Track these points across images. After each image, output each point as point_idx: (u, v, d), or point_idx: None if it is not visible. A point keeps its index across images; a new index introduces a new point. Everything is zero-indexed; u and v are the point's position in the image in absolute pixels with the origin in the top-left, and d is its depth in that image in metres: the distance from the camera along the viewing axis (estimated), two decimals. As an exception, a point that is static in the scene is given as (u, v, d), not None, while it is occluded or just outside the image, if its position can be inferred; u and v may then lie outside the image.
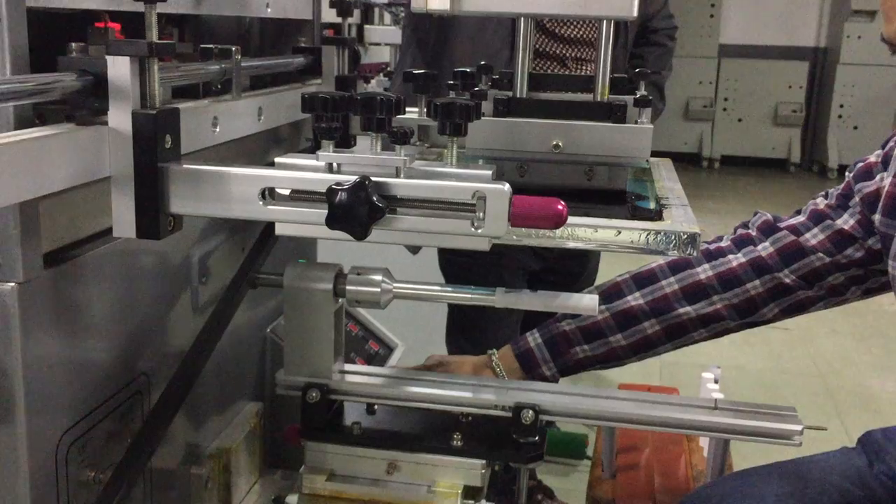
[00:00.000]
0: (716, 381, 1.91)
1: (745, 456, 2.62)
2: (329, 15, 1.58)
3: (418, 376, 1.21)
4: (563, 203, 0.75)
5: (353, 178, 0.77)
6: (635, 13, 1.00)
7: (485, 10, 1.02)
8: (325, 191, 0.77)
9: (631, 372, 3.68)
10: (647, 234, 0.87)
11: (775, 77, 8.29)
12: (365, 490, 1.12)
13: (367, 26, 3.39)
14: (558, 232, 0.84)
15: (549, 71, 2.19)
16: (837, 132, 8.06)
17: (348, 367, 1.21)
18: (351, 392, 1.17)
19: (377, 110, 0.80)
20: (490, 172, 0.81)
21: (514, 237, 0.86)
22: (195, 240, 1.18)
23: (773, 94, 8.29)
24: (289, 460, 1.44)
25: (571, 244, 0.87)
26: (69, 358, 0.91)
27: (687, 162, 8.52)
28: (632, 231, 0.88)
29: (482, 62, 1.22)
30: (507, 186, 0.77)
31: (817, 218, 1.41)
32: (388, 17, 3.49)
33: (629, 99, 1.09)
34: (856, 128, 8.01)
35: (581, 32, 2.14)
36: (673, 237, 0.88)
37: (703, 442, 1.83)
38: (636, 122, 1.07)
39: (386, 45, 3.51)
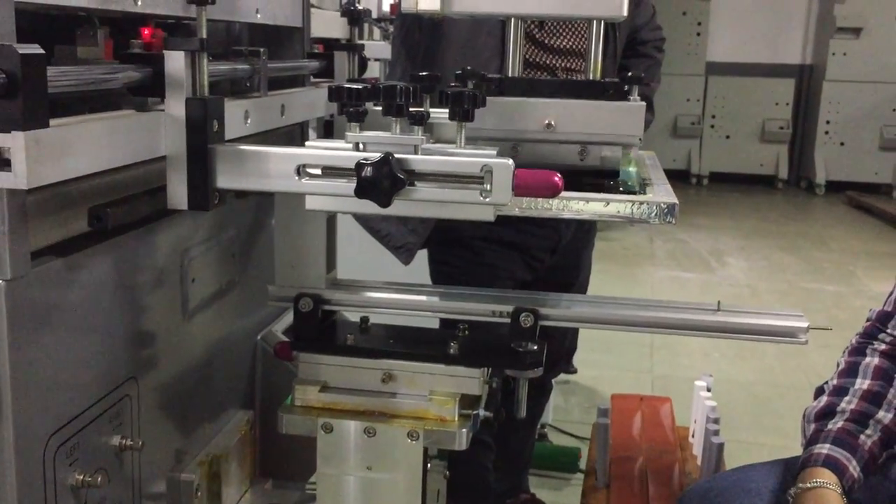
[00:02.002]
0: (708, 390, 1.91)
1: (738, 457, 2.62)
2: (317, 29, 1.65)
3: (412, 286, 1.20)
4: (559, 175, 0.80)
5: (378, 154, 0.87)
6: (625, 13, 1.01)
7: (475, 10, 1.03)
8: (353, 166, 0.87)
9: (623, 385, 3.68)
10: (633, 206, 0.95)
11: (762, 94, 8.37)
12: (360, 401, 1.10)
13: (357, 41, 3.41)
14: (554, 203, 0.89)
15: (538, 82, 2.20)
16: (824, 148, 8.13)
17: (340, 278, 1.21)
18: (344, 302, 1.16)
19: (397, 97, 0.90)
20: (495, 151, 0.88)
21: (517, 210, 0.95)
22: (185, 242, 1.17)
23: (760, 110, 8.37)
24: (281, 469, 1.42)
25: (567, 215, 0.91)
26: (57, 358, 0.90)
27: (675, 179, 8.53)
28: (619, 203, 0.95)
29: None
30: (511, 161, 0.85)
31: None
32: (377, 33, 3.51)
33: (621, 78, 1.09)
34: (842, 144, 8.08)
35: (571, 43, 2.15)
36: (654, 207, 0.95)
37: (697, 450, 1.83)
38: (629, 100, 1.07)
39: (376, 60, 3.52)
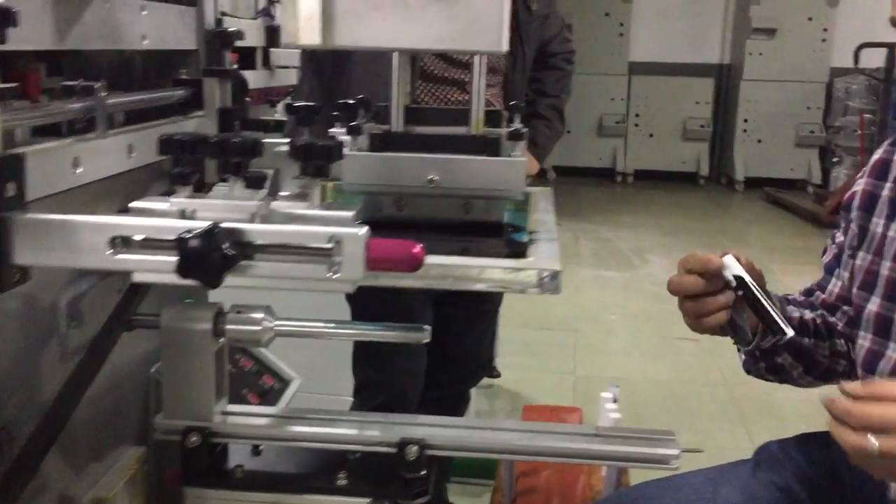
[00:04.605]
0: (615, 401, 1.94)
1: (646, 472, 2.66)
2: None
3: (303, 415, 1.19)
4: (419, 246, 0.75)
5: (205, 224, 0.76)
6: (505, 47, 1.01)
7: (356, 44, 1.02)
8: (175, 239, 0.75)
9: (546, 387, 3.73)
10: (510, 273, 0.88)
11: (683, 93, 8.56)
12: (250, 532, 1.09)
13: (272, 49, 3.36)
14: (422, 272, 0.84)
15: (449, 96, 2.21)
16: (742, 146, 8.37)
17: (232, 407, 1.18)
18: (234, 434, 1.15)
19: (232, 153, 0.79)
20: (351, 214, 0.80)
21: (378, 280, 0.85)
22: (64, 282, 1.14)
23: (681, 109, 8.56)
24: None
25: (436, 284, 0.87)
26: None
27: (602, 177, 8.71)
28: (494, 270, 0.88)
29: (377, 90, 1.21)
30: (363, 230, 0.77)
31: None
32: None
33: (504, 132, 1.10)
34: (759, 141, 8.32)
35: (480, 58, 2.17)
36: (534, 276, 0.88)
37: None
38: (510, 156, 1.08)
39: (294, 67, 3.49)
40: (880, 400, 1.01)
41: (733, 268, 1.19)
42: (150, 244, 0.80)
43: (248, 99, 1.74)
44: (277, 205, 0.84)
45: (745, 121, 8.32)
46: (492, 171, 1.06)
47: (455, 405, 2.51)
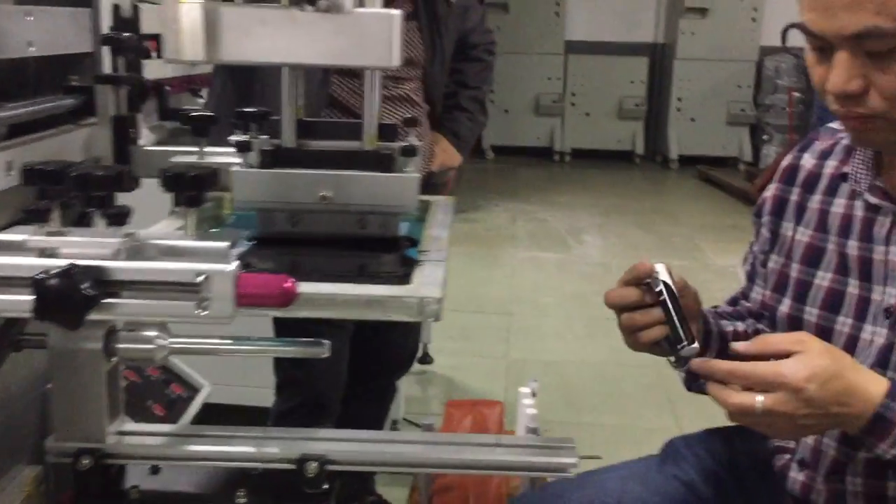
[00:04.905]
0: (534, 395, 1.97)
1: (581, 441, 2.69)
2: (151, 26, 1.47)
3: (200, 432, 1.17)
4: (291, 280, 0.74)
5: (63, 263, 0.73)
6: (396, 62, 1.00)
7: (242, 59, 1.00)
8: (32, 279, 0.72)
9: (479, 372, 3.76)
10: (389, 300, 0.87)
11: (618, 72, 8.64)
12: (144, 555, 1.08)
13: (194, 35, 3.28)
14: (300, 302, 0.82)
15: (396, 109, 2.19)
16: (677, 124, 8.49)
17: (128, 426, 1.16)
18: (129, 455, 1.12)
19: (94, 187, 0.76)
20: (226, 245, 0.78)
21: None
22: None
23: (617, 88, 8.64)
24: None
25: (316, 314, 0.86)
26: None
27: (540, 156, 8.77)
28: (372, 298, 0.87)
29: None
30: (231, 266, 0.75)
31: None
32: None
33: (396, 147, 1.09)
34: (693, 119, 8.46)
35: (397, 51, 2.14)
36: (415, 302, 0.88)
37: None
38: (403, 171, 1.07)
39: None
40: (764, 357, 1.04)
41: (662, 275, 1.20)
42: (8, 282, 0.77)
43: (168, 88, 1.70)
44: (156, 232, 0.82)
45: (679, 99, 8.44)
46: (384, 187, 1.05)
47: (381, 398, 2.51)
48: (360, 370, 2.33)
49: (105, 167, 0.74)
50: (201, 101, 2.44)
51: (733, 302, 1.51)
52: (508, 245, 5.81)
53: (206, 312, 0.75)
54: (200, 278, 0.74)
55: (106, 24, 1.45)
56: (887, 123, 1.05)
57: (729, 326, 1.41)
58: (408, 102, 2.18)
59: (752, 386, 1.05)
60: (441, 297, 0.90)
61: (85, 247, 0.77)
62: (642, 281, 1.21)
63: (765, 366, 1.04)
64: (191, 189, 0.79)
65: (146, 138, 2.81)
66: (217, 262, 0.74)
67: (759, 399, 1.02)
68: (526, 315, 4.47)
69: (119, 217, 0.76)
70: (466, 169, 7.54)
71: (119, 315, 0.77)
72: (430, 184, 2.40)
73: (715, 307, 1.49)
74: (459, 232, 6.00)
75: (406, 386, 3.33)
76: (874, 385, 1.03)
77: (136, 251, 0.78)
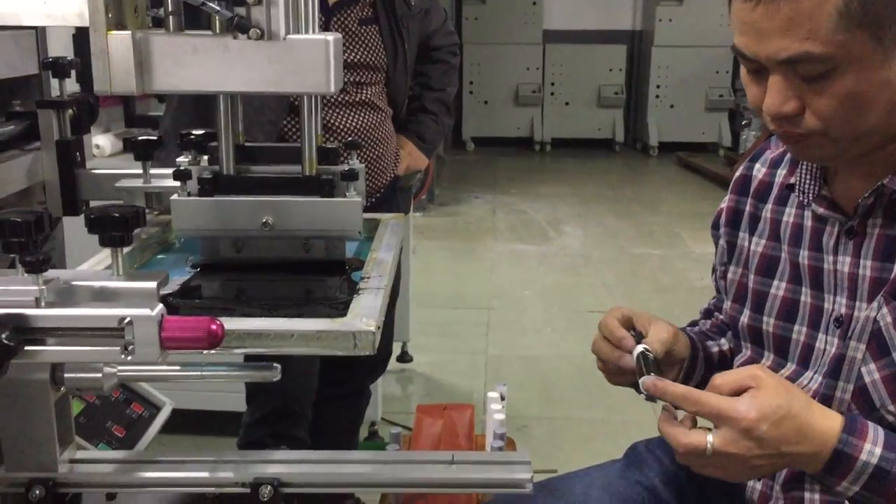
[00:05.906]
0: (502, 398, 1.97)
1: (561, 435, 2.70)
2: None
3: (153, 457, 1.17)
4: (218, 322, 0.73)
5: None
6: (332, 88, 1.00)
7: (176, 88, 0.99)
8: None
9: (457, 369, 3.77)
10: (323, 335, 0.87)
11: (597, 60, 8.64)
12: (96, 585, 1.08)
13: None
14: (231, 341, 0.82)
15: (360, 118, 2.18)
16: (656, 112, 8.51)
17: (80, 454, 1.16)
18: (82, 483, 1.12)
19: (9, 234, 0.75)
20: (154, 285, 0.78)
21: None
22: None
23: (595, 77, 8.64)
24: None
25: (248, 350, 0.86)
26: None
27: (521, 146, 8.77)
28: (305, 334, 0.87)
29: (248, 114, 1.18)
30: (155, 310, 0.74)
31: None
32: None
33: (338, 170, 1.08)
34: (672, 106, 8.47)
35: (358, 56, 2.14)
36: (350, 337, 0.88)
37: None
38: (345, 196, 1.07)
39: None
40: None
41: (640, 348, 1.24)
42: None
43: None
44: (83, 273, 0.82)
45: (658, 86, 8.46)
46: (326, 212, 1.05)
47: (355, 402, 2.52)
48: (335, 374, 2.34)
49: (23, 212, 0.73)
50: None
51: (707, 314, 1.52)
52: (488, 238, 5.81)
53: (132, 357, 0.75)
54: (124, 323, 0.74)
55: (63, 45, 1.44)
56: (826, 140, 1.05)
57: (714, 347, 1.42)
58: (370, 107, 2.18)
59: (702, 415, 1.04)
60: (375, 330, 0.90)
61: (4, 295, 0.76)
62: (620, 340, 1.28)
63: (718, 398, 1.03)
64: (115, 230, 0.78)
65: (112, 146, 2.77)
66: (143, 304, 0.73)
67: (710, 439, 1.01)
68: (505, 309, 4.48)
69: (39, 264, 0.74)
70: (446, 161, 7.54)
71: (46, 360, 0.76)
72: (398, 187, 2.40)
73: (693, 323, 1.51)
74: (439, 226, 6.00)
75: (385, 385, 3.33)
76: (827, 421, 1.03)
77: (63, 294, 0.78)
